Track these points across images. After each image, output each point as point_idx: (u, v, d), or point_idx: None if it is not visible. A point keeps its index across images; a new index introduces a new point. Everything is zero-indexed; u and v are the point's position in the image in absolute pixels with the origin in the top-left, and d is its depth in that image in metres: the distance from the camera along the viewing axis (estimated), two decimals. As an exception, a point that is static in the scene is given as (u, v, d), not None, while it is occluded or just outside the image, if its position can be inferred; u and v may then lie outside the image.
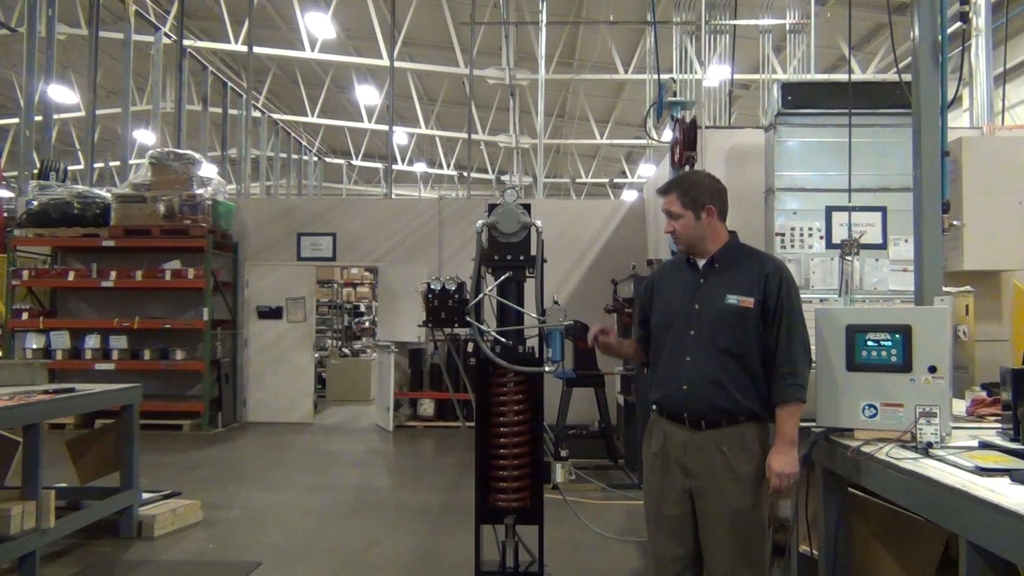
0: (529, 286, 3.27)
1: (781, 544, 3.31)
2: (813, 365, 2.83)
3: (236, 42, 15.63)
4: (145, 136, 18.00)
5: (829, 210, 5.74)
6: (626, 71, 16.21)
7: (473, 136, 16.22)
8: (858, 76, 13.68)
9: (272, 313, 10.63)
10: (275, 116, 18.88)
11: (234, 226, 10.64)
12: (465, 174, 20.17)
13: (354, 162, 24.28)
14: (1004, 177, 5.69)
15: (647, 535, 2.95)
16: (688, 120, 6.25)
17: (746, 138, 6.66)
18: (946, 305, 3.27)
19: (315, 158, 22.56)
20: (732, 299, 2.77)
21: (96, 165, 14.19)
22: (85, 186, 11.08)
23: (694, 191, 2.86)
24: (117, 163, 13.85)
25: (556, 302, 3.14)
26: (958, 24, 4.14)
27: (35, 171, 10.66)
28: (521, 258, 3.25)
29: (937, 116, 3.57)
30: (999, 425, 2.85)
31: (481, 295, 3.21)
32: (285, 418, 10.50)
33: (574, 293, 9.86)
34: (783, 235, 5.82)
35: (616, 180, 25.13)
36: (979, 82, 8.21)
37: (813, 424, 2.83)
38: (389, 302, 10.64)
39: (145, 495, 5.47)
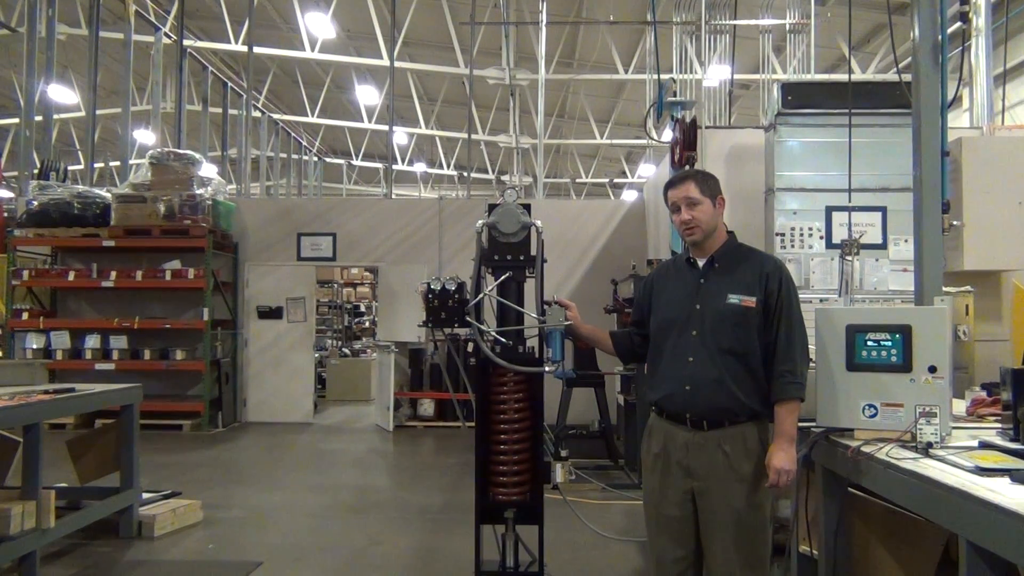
0: (529, 286, 3.27)
1: (781, 544, 3.31)
2: (812, 364, 2.83)
3: (236, 42, 15.63)
4: (145, 136, 18.00)
5: (829, 210, 5.73)
6: (626, 71, 16.21)
7: (473, 136, 16.22)
8: (858, 76, 13.69)
9: (272, 313, 10.63)
10: (275, 116, 18.88)
11: (234, 226, 10.64)
12: (465, 174, 20.16)
13: (354, 162, 24.28)
14: (1004, 177, 5.69)
15: (647, 537, 2.95)
16: (688, 120, 6.25)
17: (746, 138, 6.66)
18: (946, 305, 3.27)
19: (315, 158, 22.57)
20: (734, 299, 2.77)
21: (96, 165, 14.19)
22: (85, 186, 11.10)
23: (709, 180, 2.89)
24: (117, 163, 13.86)
25: (549, 303, 3.12)
26: (958, 24, 4.14)
27: (35, 171, 10.67)
28: (521, 258, 3.25)
29: (937, 116, 3.57)
30: (999, 425, 2.85)
31: (481, 295, 3.21)
32: (285, 418, 10.50)
33: (574, 293, 9.85)
34: (783, 235, 5.81)
35: (616, 180, 25.12)
36: (979, 82, 8.20)
37: (813, 424, 2.83)
38: (389, 302, 10.65)
39: (145, 495, 5.47)
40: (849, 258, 5.33)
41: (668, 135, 6.94)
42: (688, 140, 6.15)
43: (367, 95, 19.47)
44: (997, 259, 5.66)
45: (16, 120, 15.02)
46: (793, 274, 2.94)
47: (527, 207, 3.29)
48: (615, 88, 18.98)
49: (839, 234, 5.60)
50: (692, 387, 2.77)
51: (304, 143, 21.30)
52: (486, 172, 24.89)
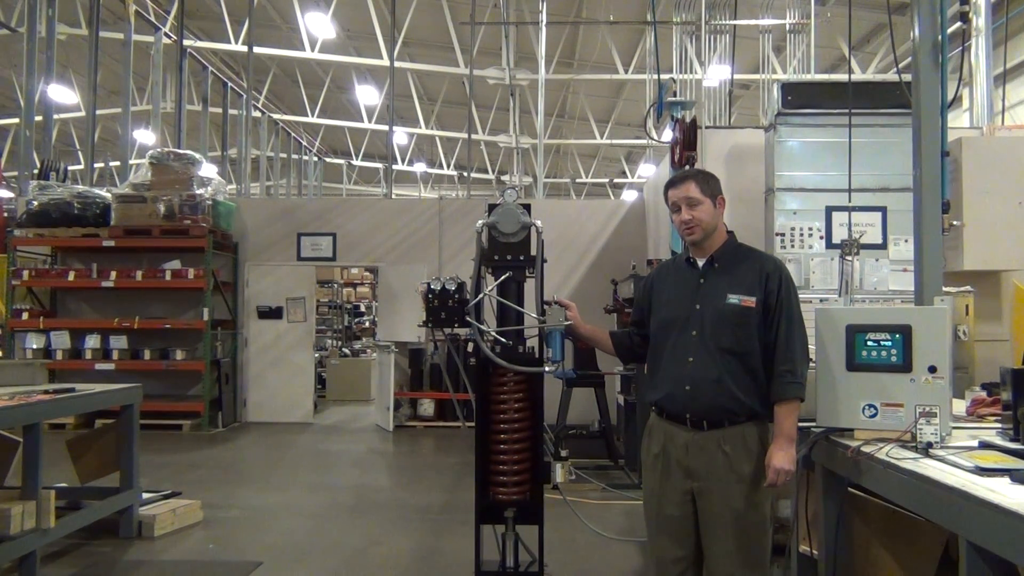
0: (529, 286, 3.27)
1: (781, 544, 3.31)
2: (812, 364, 2.83)
3: (236, 42, 15.63)
4: (145, 136, 18.00)
5: (829, 210, 5.74)
6: (626, 71, 16.21)
7: (473, 136, 16.23)
8: (858, 76, 13.69)
9: (272, 313, 10.63)
10: (275, 116, 18.89)
11: (234, 226, 10.64)
12: (465, 174, 20.17)
13: (354, 162, 24.28)
14: (1004, 177, 5.69)
15: (647, 537, 2.95)
16: (688, 120, 6.25)
17: (746, 138, 6.66)
18: (946, 305, 3.28)
19: (315, 158, 22.57)
20: (734, 299, 2.77)
21: (96, 165, 14.19)
22: (85, 186, 11.09)
23: (710, 180, 2.89)
24: (117, 163, 13.86)
25: (548, 303, 3.12)
26: (958, 24, 4.14)
27: (35, 171, 10.67)
28: (521, 258, 3.25)
29: (937, 116, 3.57)
30: (999, 425, 2.85)
31: (481, 295, 3.21)
32: (285, 418, 10.50)
33: (574, 293, 9.85)
34: (783, 235, 5.82)
35: (616, 180, 25.13)
36: (979, 82, 8.20)
37: (813, 424, 2.82)
38: (389, 302, 10.64)
39: (145, 495, 5.47)
40: (849, 258, 5.33)
41: (668, 135, 6.94)
42: (688, 140, 6.15)
43: (367, 95, 19.47)
44: (997, 259, 5.66)
45: (16, 120, 15.02)
46: (793, 274, 2.94)
47: (527, 207, 3.29)
48: (615, 88, 18.98)
49: (839, 234, 5.60)
50: (692, 387, 2.77)
51: (304, 143, 21.30)
52: (486, 172, 24.89)
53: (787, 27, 11.90)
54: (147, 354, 9.86)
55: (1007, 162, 5.77)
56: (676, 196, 2.87)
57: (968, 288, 4.95)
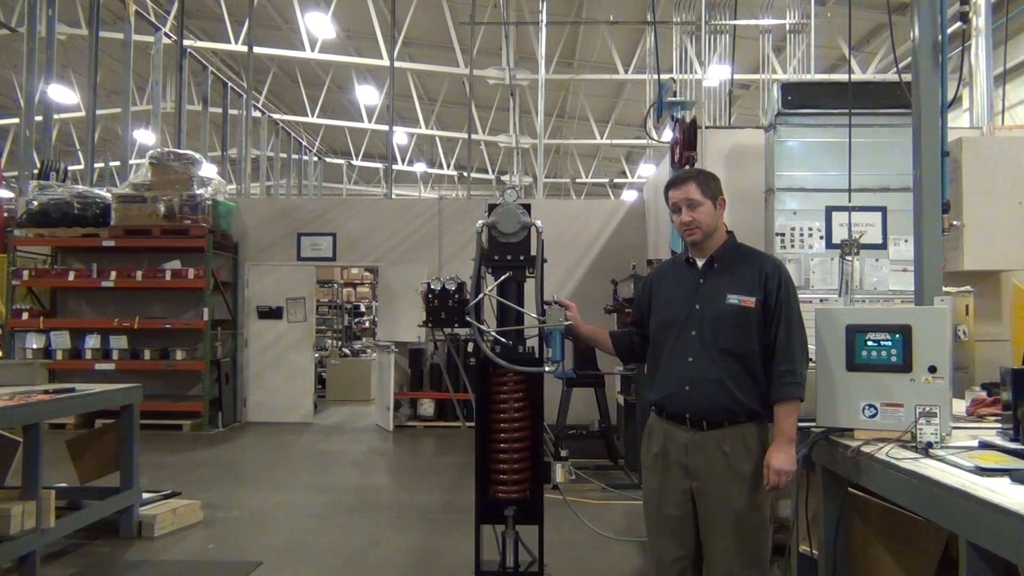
0: (529, 286, 3.27)
1: (781, 544, 3.31)
2: (812, 364, 2.83)
3: (236, 42, 15.64)
4: (145, 136, 18.00)
5: (829, 210, 5.73)
6: (626, 71, 16.21)
7: (473, 136, 16.23)
8: (858, 76, 13.69)
9: (272, 313, 10.63)
10: (275, 116, 18.89)
11: (234, 226, 10.64)
12: (465, 174, 20.17)
13: (354, 162, 24.28)
14: (1004, 177, 5.69)
15: (647, 537, 2.95)
16: (688, 120, 6.25)
17: (746, 138, 6.66)
18: (946, 305, 3.27)
19: (315, 158, 22.57)
20: (733, 299, 2.77)
21: (96, 165, 14.19)
22: (85, 186, 11.10)
23: (711, 181, 2.89)
24: (117, 163, 13.86)
25: (548, 303, 3.12)
26: (958, 24, 4.15)
27: (35, 171, 10.66)
28: (521, 258, 3.25)
29: (937, 116, 3.57)
30: (999, 425, 2.85)
31: (481, 295, 3.21)
32: (285, 418, 10.50)
33: (574, 293, 9.86)
34: (783, 235, 5.81)
35: (616, 180, 25.14)
36: (979, 82, 8.21)
37: (813, 424, 2.83)
38: (389, 302, 10.65)
39: (145, 495, 5.47)
40: (849, 258, 5.33)
41: (668, 135, 6.94)
42: (688, 140, 6.15)
43: (367, 95, 19.47)
44: (997, 259, 5.66)
45: (16, 120, 15.03)
46: (793, 274, 2.94)
47: (527, 207, 3.29)
48: (615, 88, 18.98)
49: (839, 234, 5.60)
50: (692, 387, 2.77)
51: (304, 143, 21.30)
52: (486, 172, 24.89)
53: (787, 27, 11.92)
54: (147, 354, 9.85)
55: (1007, 162, 5.77)
56: (677, 197, 2.87)
57: (968, 288, 4.95)
